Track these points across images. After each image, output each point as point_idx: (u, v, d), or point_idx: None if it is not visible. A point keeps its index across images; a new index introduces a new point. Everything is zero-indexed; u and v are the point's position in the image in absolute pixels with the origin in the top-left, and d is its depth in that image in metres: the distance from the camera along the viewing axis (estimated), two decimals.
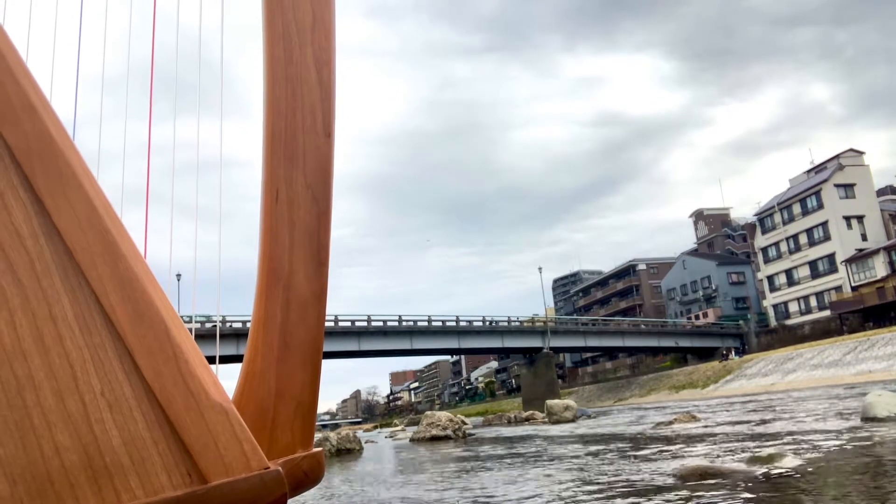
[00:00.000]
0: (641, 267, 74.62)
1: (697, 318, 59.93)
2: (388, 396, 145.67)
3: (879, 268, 44.21)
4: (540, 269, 56.95)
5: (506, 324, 48.00)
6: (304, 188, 1.37)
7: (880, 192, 53.28)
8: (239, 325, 32.78)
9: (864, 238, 48.12)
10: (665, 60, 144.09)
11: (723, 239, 68.18)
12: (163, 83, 1.74)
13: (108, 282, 1.31)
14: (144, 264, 1.36)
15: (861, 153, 51.96)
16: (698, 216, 71.89)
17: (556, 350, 50.69)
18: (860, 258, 46.11)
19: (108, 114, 1.79)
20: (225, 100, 1.65)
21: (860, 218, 48.77)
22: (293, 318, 1.37)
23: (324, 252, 1.39)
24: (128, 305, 1.30)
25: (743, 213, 76.28)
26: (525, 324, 49.84)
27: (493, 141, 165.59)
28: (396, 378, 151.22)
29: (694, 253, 68.34)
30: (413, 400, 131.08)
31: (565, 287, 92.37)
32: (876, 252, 45.01)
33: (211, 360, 1.40)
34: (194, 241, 1.70)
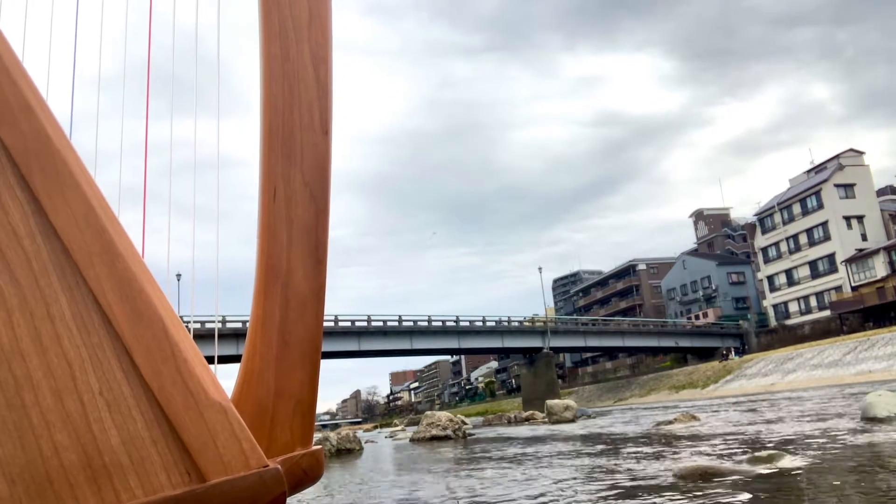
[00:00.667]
0: (641, 267, 74.62)
1: (697, 318, 59.92)
2: (388, 396, 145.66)
3: (879, 268, 44.20)
4: (540, 269, 57.06)
5: (506, 324, 48.00)
6: (301, 186, 1.37)
7: (880, 192, 53.27)
8: (238, 325, 32.77)
9: (864, 238, 48.11)
10: (665, 60, 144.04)
11: (723, 239, 68.18)
12: (161, 81, 1.73)
13: (106, 281, 1.30)
14: (142, 263, 1.36)
15: (861, 153, 51.96)
16: (698, 216, 71.89)
17: (556, 350, 50.69)
18: (860, 258, 46.10)
19: (107, 112, 1.79)
20: (224, 98, 1.65)
21: (860, 218, 48.76)
22: (292, 316, 1.36)
23: (322, 249, 1.38)
24: (126, 304, 1.30)
25: (743, 213, 76.32)
26: (525, 324, 49.85)
27: (493, 141, 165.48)
28: (396, 378, 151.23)
29: (694, 253, 68.34)
30: (413, 400, 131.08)
31: (565, 287, 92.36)
32: (876, 252, 45.00)
33: (210, 360, 1.39)
34: (192, 241, 1.70)
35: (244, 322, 31.53)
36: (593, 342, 52.63)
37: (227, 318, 32.95)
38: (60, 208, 1.31)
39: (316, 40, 1.41)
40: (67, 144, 1.37)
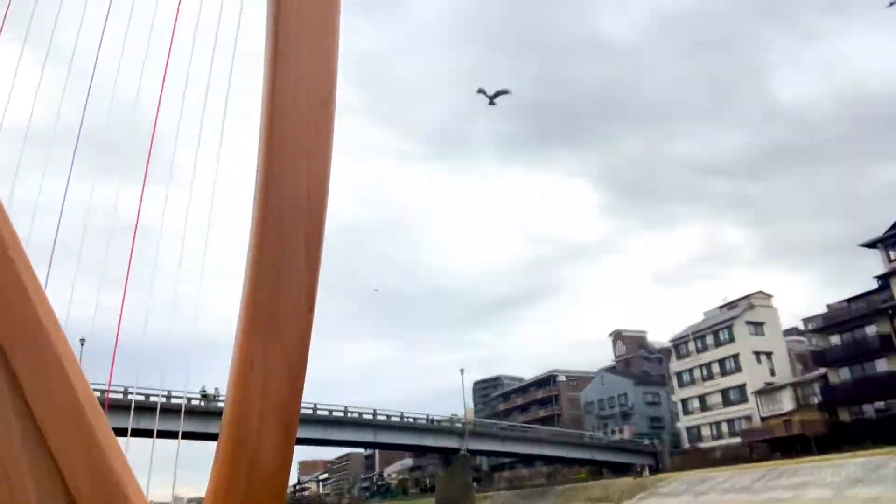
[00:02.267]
0: (561, 378, 75.41)
1: (614, 432, 60.41)
2: (294, 486, 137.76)
3: (786, 402, 46.29)
4: (462, 370, 57.14)
5: (424, 421, 47.05)
6: (281, 359, 1.37)
7: (787, 332, 56.31)
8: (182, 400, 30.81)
9: (773, 373, 50.55)
10: (593, 190, 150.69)
11: (640, 359, 70.06)
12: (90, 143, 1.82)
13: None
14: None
15: (770, 296, 55.45)
16: (617, 335, 74.00)
17: (474, 452, 49.78)
18: (769, 391, 48.22)
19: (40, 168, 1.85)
20: (151, 165, 1.74)
21: (769, 354, 51.41)
22: (257, 485, 1.34)
23: (293, 426, 1.38)
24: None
25: (659, 336, 78.66)
26: (443, 423, 48.98)
27: (424, 244, 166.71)
28: (305, 467, 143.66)
29: (612, 370, 69.75)
30: (322, 492, 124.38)
31: (485, 390, 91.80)
32: (783, 387, 47.27)
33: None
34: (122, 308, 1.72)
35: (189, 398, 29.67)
36: (511, 448, 52.01)
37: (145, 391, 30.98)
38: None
39: (308, 230, 1.43)
40: (57, 329, 1.41)
